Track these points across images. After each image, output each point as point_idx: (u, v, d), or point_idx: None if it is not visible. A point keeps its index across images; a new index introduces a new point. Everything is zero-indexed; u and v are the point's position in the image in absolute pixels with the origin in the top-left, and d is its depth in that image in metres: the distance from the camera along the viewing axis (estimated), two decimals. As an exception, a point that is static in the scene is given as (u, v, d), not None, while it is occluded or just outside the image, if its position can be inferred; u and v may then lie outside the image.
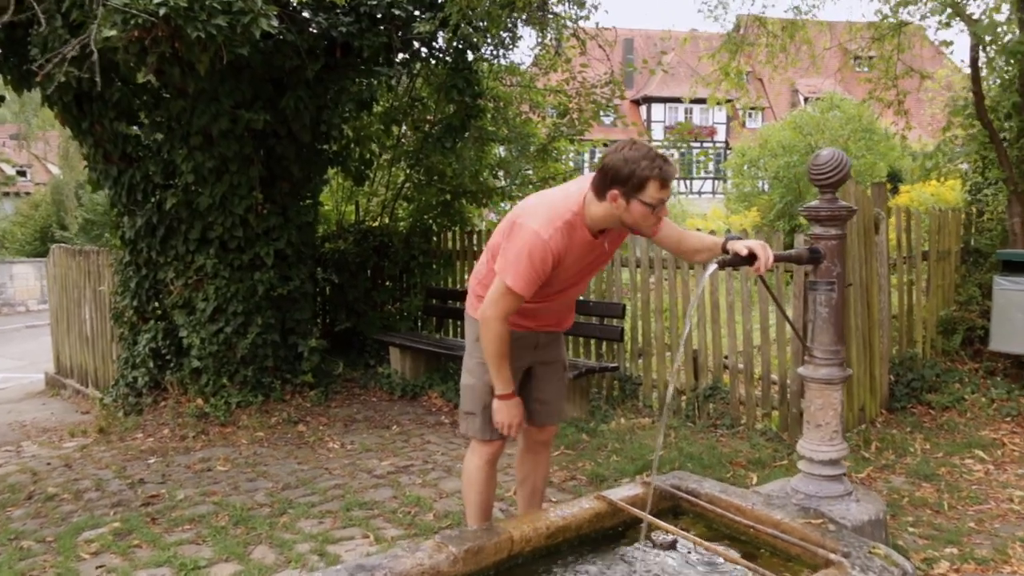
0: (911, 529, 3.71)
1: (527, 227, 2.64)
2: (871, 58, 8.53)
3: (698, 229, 5.80)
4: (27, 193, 38.06)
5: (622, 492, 3.07)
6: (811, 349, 2.93)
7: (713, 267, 2.63)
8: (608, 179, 2.57)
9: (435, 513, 4.09)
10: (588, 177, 2.77)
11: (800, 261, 2.84)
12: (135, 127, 6.23)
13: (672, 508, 3.14)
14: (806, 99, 31.21)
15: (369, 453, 5.30)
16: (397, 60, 6.54)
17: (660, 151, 2.57)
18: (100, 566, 3.60)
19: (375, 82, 6.75)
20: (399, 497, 4.37)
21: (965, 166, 9.07)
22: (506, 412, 2.91)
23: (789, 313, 5.40)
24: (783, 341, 5.25)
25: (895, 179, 18.09)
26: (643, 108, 44.76)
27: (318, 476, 4.85)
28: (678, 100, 41.52)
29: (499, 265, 2.72)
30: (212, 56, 4.63)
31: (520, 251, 2.63)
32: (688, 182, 42.74)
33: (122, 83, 6.00)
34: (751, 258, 2.66)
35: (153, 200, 6.19)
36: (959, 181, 14.07)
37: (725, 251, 2.77)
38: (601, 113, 7.00)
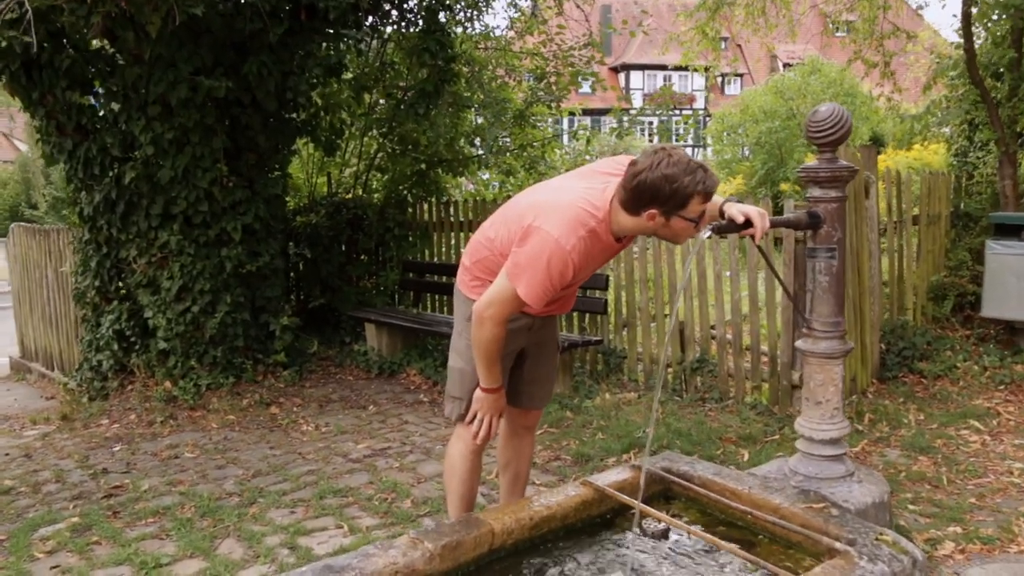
0: (911, 507, 3.55)
1: (546, 233, 2.37)
2: (850, 23, 8.33)
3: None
4: (-9, 171, 37.26)
5: (610, 477, 2.88)
6: (809, 321, 2.74)
7: (707, 233, 2.41)
8: (646, 199, 2.32)
9: (413, 499, 3.88)
10: (608, 171, 2.53)
11: (799, 227, 2.63)
12: (90, 97, 5.89)
13: (663, 492, 2.95)
14: (786, 65, 30.95)
15: (344, 435, 5.08)
16: (367, 23, 6.22)
17: (697, 161, 2.34)
18: (55, 566, 3.37)
19: (343, 46, 6.44)
20: (375, 483, 4.16)
21: (947, 130, 8.92)
22: (488, 405, 2.70)
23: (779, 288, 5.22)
24: (772, 310, 5.07)
25: (877, 143, 17.95)
26: (622, 75, 44.39)
27: (291, 461, 4.63)
28: (658, 67, 41.22)
29: (509, 267, 2.45)
30: (164, 16, 4.32)
31: (536, 258, 2.38)
32: (669, 150, 42.52)
33: (74, 49, 5.65)
34: (746, 224, 2.45)
35: (111, 174, 5.88)
36: (942, 145, 13.98)
37: (720, 212, 2.56)
38: (580, 78, 6.73)
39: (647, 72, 43.56)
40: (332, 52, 6.13)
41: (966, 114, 6.61)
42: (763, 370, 5.08)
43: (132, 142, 5.84)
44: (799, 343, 2.80)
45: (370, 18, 6.42)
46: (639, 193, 2.33)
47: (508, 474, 3.11)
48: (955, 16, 6.19)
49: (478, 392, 2.69)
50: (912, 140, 7.30)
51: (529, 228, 2.41)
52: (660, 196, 2.30)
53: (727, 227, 2.46)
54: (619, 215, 2.42)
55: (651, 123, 9.42)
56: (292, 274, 7.84)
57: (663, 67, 39.50)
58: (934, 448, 4.31)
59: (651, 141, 28.89)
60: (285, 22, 5.68)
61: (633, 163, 2.36)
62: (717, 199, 2.58)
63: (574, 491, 2.76)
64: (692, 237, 2.46)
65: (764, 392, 5.10)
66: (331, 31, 6.00)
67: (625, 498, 2.68)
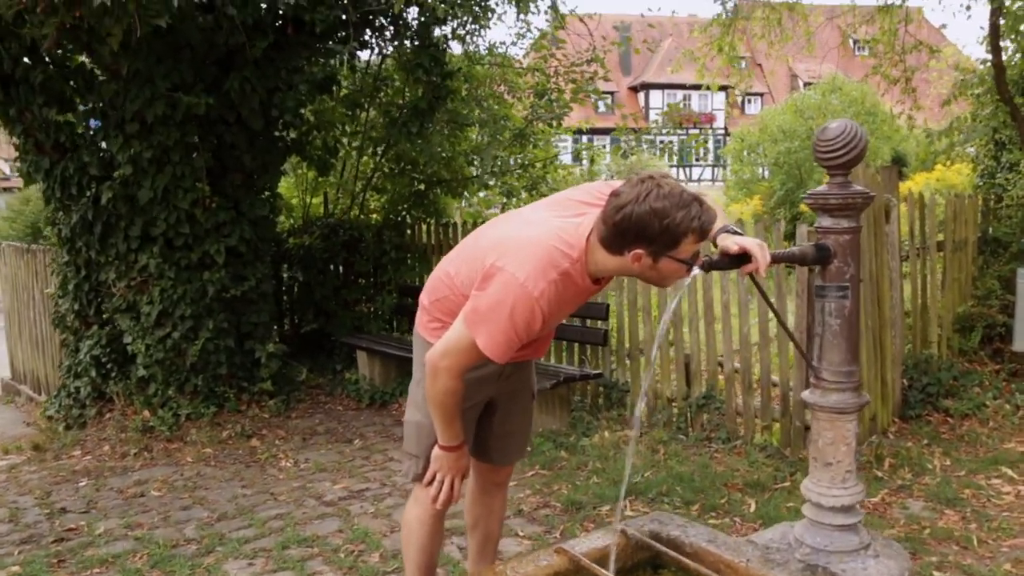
0: (936, 573, 3.16)
1: (510, 276, 2.03)
2: (868, 42, 7.98)
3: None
4: (19, 188, 37.43)
5: (588, 543, 2.51)
6: (818, 370, 2.37)
7: (696, 271, 2.07)
8: (631, 236, 1.98)
9: (383, 552, 3.54)
10: (586, 200, 2.20)
11: (804, 261, 2.27)
12: (71, 114, 5.64)
13: (651, 561, 2.57)
14: (806, 84, 30.56)
15: (323, 474, 4.75)
16: (363, 37, 5.95)
17: (691, 192, 1.99)
18: (-20, 626, 3.06)
19: (334, 62, 6.17)
20: (345, 531, 3.82)
21: (972, 150, 8.51)
22: (448, 465, 2.35)
23: (791, 317, 4.84)
24: (784, 344, 4.69)
25: (899, 163, 17.49)
26: (641, 95, 44.16)
27: (261, 503, 4.30)
28: (677, 86, 40.88)
29: (468, 313, 2.10)
30: (126, 28, 4.04)
31: (499, 305, 2.03)
32: (687, 170, 42.18)
33: (52, 65, 5.42)
34: (743, 258, 2.11)
35: (89, 194, 5.62)
36: (966, 165, 13.51)
37: (713, 241, 2.22)
38: (581, 94, 6.41)
39: (666, 91, 43.23)
40: (321, 68, 5.85)
41: (994, 133, 6.21)
42: (774, 409, 4.69)
43: (111, 161, 5.58)
44: (806, 394, 2.43)
45: (367, 32, 6.14)
46: (623, 230, 1.97)
47: (477, 535, 2.76)
48: (982, 28, 5.80)
49: (436, 450, 2.35)
50: (936, 159, 6.92)
51: (491, 269, 2.07)
52: (647, 234, 1.95)
53: (720, 263, 2.12)
54: (597, 254, 2.08)
55: (664, 142, 9.07)
56: (285, 298, 7.56)
57: (682, 86, 39.22)
58: (962, 500, 3.90)
59: (670, 163, 28.54)
60: (270, 36, 5.41)
61: (616, 194, 2.00)
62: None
63: (547, 560, 2.40)
64: (682, 279, 2.11)
65: (775, 432, 4.71)
66: (320, 46, 5.72)
67: (603, 573, 2.33)
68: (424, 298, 2.40)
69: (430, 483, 2.39)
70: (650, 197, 1.94)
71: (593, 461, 4.60)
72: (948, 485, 4.06)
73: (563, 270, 2.05)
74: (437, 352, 2.17)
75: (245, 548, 3.66)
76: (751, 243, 2.09)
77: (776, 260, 2.18)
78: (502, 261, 2.06)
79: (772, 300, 2.38)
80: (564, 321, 5.54)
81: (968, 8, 6.77)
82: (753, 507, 3.90)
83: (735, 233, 2.15)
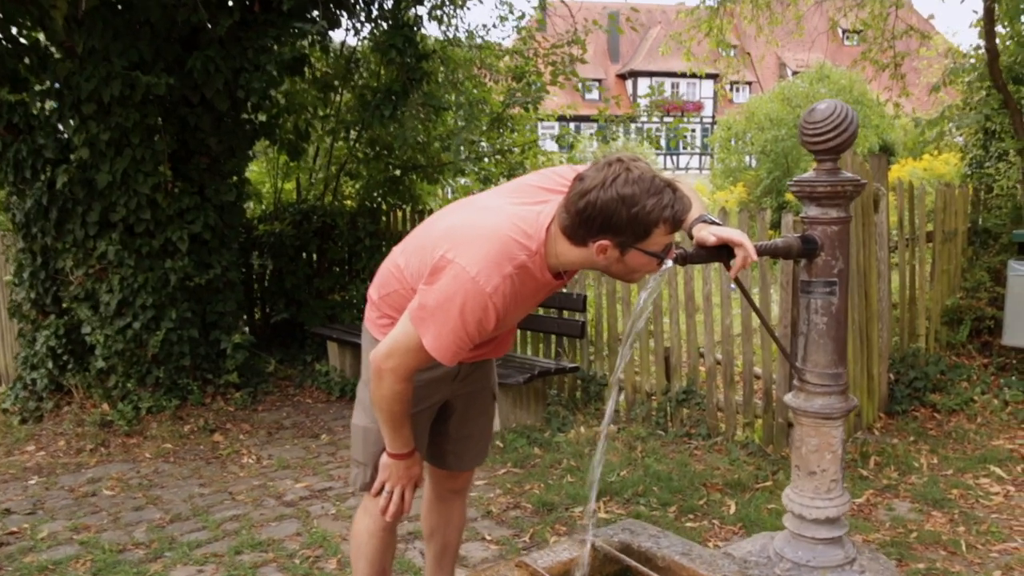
0: (924, 583, 2.99)
1: (461, 270, 1.81)
2: (858, 32, 7.81)
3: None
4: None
5: (552, 556, 2.32)
6: (802, 371, 2.18)
7: (668, 264, 1.87)
8: (596, 226, 1.76)
9: (340, 559, 3.33)
10: (548, 186, 1.98)
11: (789, 254, 2.08)
12: (23, 94, 5.37)
13: (619, 574, 2.41)
14: (794, 73, 30.40)
15: (286, 471, 4.54)
16: (332, 16, 5.69)
17: (664, 177, 1.78)
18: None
19: (305, 43, 5.92)
20: (303, 534, 3.62)
21: (960, 139, 8.36)
22: (397, 473, 2.15)
23: (774, 308, 4.66)
24: (767, 336, 4.51)
25: (886, 152, 17.37)
26: (629, 82, 43.93)
27: (217, 504, 4.09)
28: (666, 74, 40.62)
29: (415, 310, 1.89)
30: (73, 1, 3.79)
31: (448, 302, 1.82)
32: (674, 157, 42.00)
33: (4, 41, 5.14)
34: (722, 251, 1.91)
35: (44, 178, 5.36)
36: (953, 154, 13.38)
37: (688, 232, 2.02)
38: (561, 77, 6.18)
39: (655, 79, 42.99)
40: (290, 48, 5.59)
41: (986, 120, 6.04)
42: (756, 404, 4.52)
43: (68, 143, 5.32)
44: (789, 398, 2.24)
45: (339, 12, 5.88)
46: (587, 218, 1.76)
47: (434, 545, 2.57)
48: (975, 12, 5.62)
49: (384, 458, 2.14)
50: (924, 148, 6.76)
51: (441, 261, 1.85)
52: (614, 223, 1.74)
53: (696, 255, 1.92)
54: (559, 244, 1.86)
55: (648, 127, 8.85)
56: (256, 286, 7.32)
57: (672, 74, 39.03)
58: (950, 501, 3.74)
59: (656, 150, 28.33)
60: (236, 14, 5.16)
61: (580, 178, 1.79)
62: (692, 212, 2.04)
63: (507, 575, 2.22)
64: (652, 273, 1.90)
65: (757, 429, 4.54)
66: (289, 25, 5.47)
67: (566, 592, 2.14)
68: (373, 292, 2.19)
69: (379, 493, 2.19)
70: (617, 182, 1.72)
71: (567, 459, 4.41)
72: (935, 485, 3.90)
73: (520, 263, 1.84)
74: (381, 352, 1.96)
75: (196, 553, 3.46)
76: (731, 233, 1.89)
77: (760, 253, 1.99)
78: (453, 253, 1.85)
79: (755, 293, 2.18)
80: (540, 312, 5.37)
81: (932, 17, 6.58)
82: (733, 509, 3.72)
83: (713, 223, 1.95)
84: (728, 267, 1.92)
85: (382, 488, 2.17)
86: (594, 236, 1.78)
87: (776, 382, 4.37)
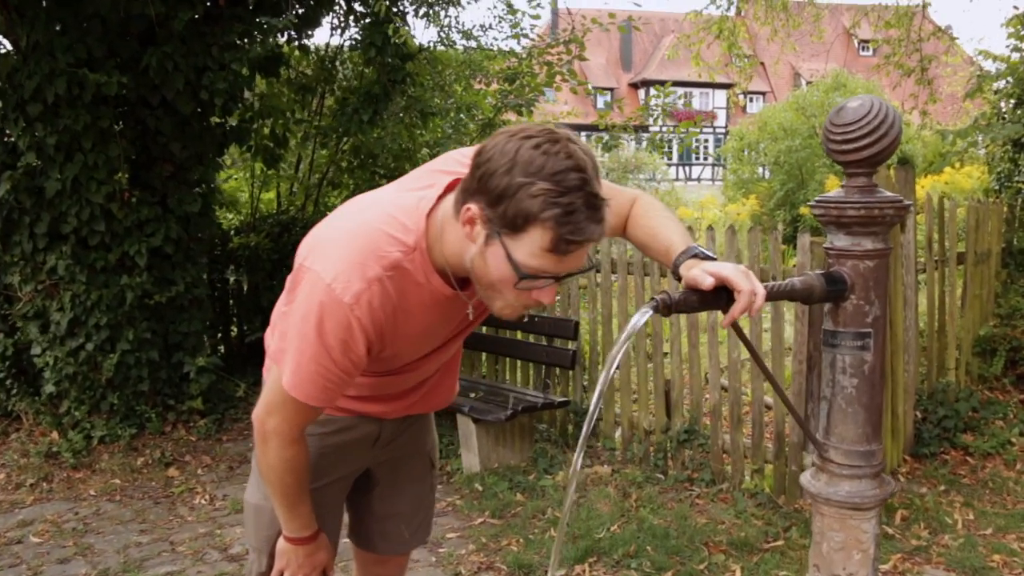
0: None
1: (316, 277, 1.37)
2: (882, 42, 7.35)
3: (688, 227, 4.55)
4: None
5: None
6: (823, 447, 1.68)
7: (646, 314, 1.38)
8: (475, 180, 1.30)
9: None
10: (448, 169, 1.50)
11: (810, 298, 1.58)
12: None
13: None
14: (808, 82, 29.92)
15: (237, 516, 4.05)
16: (304, 11, 5.25)
17: (597, 187, 1.29)
18: None
19: (279, 40, 5.47)
20: (240, 601, 3.14)
21: (982, 151, 7.84)
22: (298, 561, 1.67)
23: (787, 331, 4.16)
24: (778, 367, 4.01)
25: (905, 165, 16.81)
26: (641, 91, 43.49)
27: (154, 556, 3.61)
28: (678, 84, 40.22)
29: (276, 342, 1.51)
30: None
31: (303, 323, 1.38)
32: (687, 168, 41.51)
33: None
34: (723, 293, 1.42)
35: (-13, 185, 4.92)
36: (976, 167, 12.80)
37: (675, 273, 1.53)
38: (558, 78, 5.71)
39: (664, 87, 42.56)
40: (261, 46, 5.14)
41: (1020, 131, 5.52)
42: (767, 448, 4.00)
43: (15, 148, 4.88)
44: (806, 479, 1.74)
45: (316, 7, 5.44)
46: (474, 168, 1.30)
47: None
48: (1016, 8, 5.11)
49: (281, 543, 1.66)
50: (949, 161, 6.28)
51: (298, 272, 1.43)
52: (492, 184, 1.27)
53: (686, 302, 1.42)
54: (446, 230, 1.38)
55: (655, 131, 8.38)
56: (232, 302, 6.86)
57: (685, 83, 38.58)
58: (992, 571, 3.22)
59: (667, 159, 27.84)
60: (199, 7, 4.72)
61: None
62: (681, 240, 1.56)
63: None
64: (513, 314, 1.39)
65: (767, 476, 4.02)
66: (259, 20, 5.02)
67: None
68: (267, 336, 1.72)
69: None
70: (529, 142, 1.26)
71: (553, 508, 3.91)
72: (973, 549, 3.38)
73: (391, 262, 1.37)
74: (260, 410, 1.51)
75: (113, 623, 2.98)
76: (733, 274, 1.40)
77: (770, 297, 1.49)
78: (310, 260, 1.41)
79: (765, 326, 1.68)
80: (531, 339, 4.87)
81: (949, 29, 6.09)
82: (738, 574, 3.22)
83: (707, 257, 1.46)
84: (734, 321, 1.43)
85: None
86: (470, 196, 1.30)
87: (788, 424, 3.86)
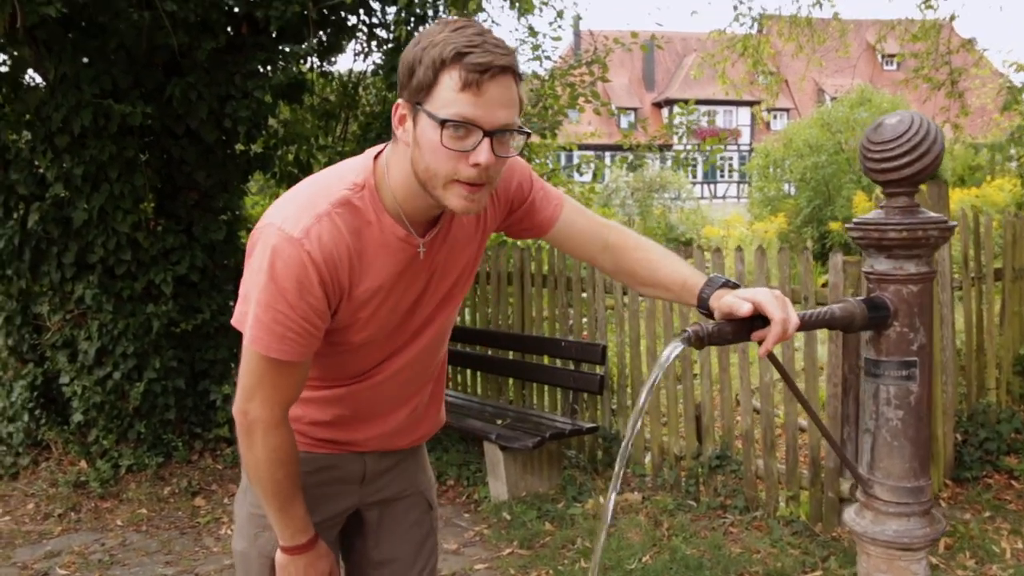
0: None
1: (267, 226, 1.36)
2: (906, 54, 7.26)
3: (711, 250, 4.47)
4: None
5: None
6: (868, 483, 1.60)
7: (678, 347, 1.32)
8: (398, 84, 1.34)
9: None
10: None
11: (850, 326, 1.51)
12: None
13: None
14: (832, 98, 29.71)
15: (263, 547, 4.01)
16: (325, 37, 5.26)
17: (486, 29, 1.30)
18: None
19: (302, 67, 5.49)
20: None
21: (1014, 164, 7.69)
22: (298, 573, 1.56)
23: (821, 352, 4.05)
24: (813, 388, 3.90)
25: (937, 180, 16.56)
26: (665, 110, 43.44)
27: (179, 589, 3.58)
28: (702, 102, 40.10)
29: (237, 310, 1.43)
30: (11, 15, 3.38)
31: (259, 272, 1.34)
32: (711, 186, 41.28)
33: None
34: (757, 320, 1.37)
35: (16, 216, 4.97)
36: (1008, 180, 12.56)
37: (703, 306, 1.48)
38: (581, 99, 5.66)
39: (687, 105, 42.45)
40: (284, 73, 5.15)
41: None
42: (802, 474, 3.89)
43: (43, 179, 4.93)
44: (849, 516, 1.66)
45: (337, 32, 5.45)
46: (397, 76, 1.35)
47: None
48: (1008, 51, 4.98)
49: (280, 557, 1.57)
50: (987, 175, 6.14)
51: (254, 234, 1.40)
52: (404, 68, 1.31)
53: (720, 333, 1.36)
54: (392, 163, 1.38)
55: (679, 149, 8.31)
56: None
57: (708, 101, 38.46)
58: (1044, 602, 3.09)
59: (691, 176, 27.70)
60: (221, 37, 4.75)
61: None
62: (698, 277, 1.52)
63: None
64: (467, 204, 1.32)
65: (803, 503, 3.91)
66: (280, 47, 5.05)
67: None
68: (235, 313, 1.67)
69: None
70: (430, 27, 1.33)
71: (583, 537, 3.82)
72: (1023, 579, 3.24)
73: (339, 199, 1.36)
74: (238, 400, 1.43)
75: (137, 659, 2.94)
76: (765, 298, 1.35)
77: (806, 326, 1.43)
78: (264, 219, 1.39)
79: (798, 348, 1.61)
80: (558, 363, 4.80)
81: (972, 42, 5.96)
82: (776, 609, 3.11)
83: (735, 286, 1.41)
84: (769, 351, 1.37)
85: None
86: (398, 99, 1.35)
87: (825, 450, 3.75)
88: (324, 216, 1.34)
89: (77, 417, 5.10)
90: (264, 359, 1.38)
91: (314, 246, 1.32)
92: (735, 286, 1.42)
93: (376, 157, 1.42)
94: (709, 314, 1.46)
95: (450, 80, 1.24)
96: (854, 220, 1.55)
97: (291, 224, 1.33)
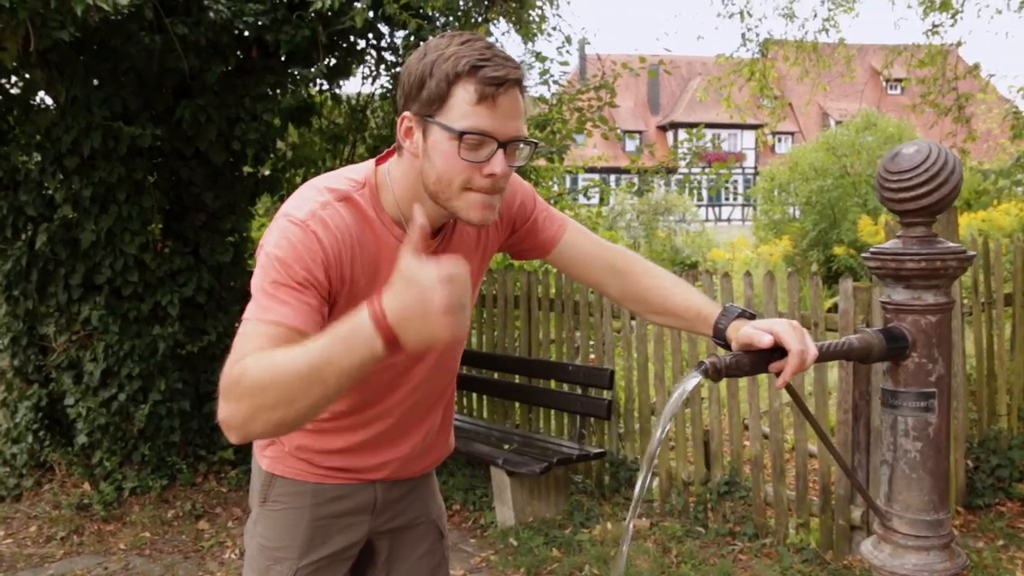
0: None
1: (275, 221, 1.39)
2: (921, 81, 7.28)
3: (719, 274, 4.45)
4: None
5: None
6: (887, 515, 1.57)
7: (695, 379, 1.31)
8: (401, 98, 1.37)
9: None
10: None
11: (869, 357, 1.49)
12: (5, 147, 5.01)
13: None
14: (837, 122, 29.79)
15: (267, 573, 3.97)
16: (335, 61, 5.30)
17: (493, 45, 1.33)
18: None
19: (311, 90, 5.52)
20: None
21: (1021, 189, 7.67)
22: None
23: (829, 412, 4.03)
24: (823, 411, 3.87)
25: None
26: (669, 133, 43.61)
27: (182, 615, 3.54)
28: (707, 125, 40.24)
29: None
30: (23, 40, 3.41)
31: (264, 256, 1.33)
32: (716, 209, 41.32)
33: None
34: (774, 352, 1.35)
35: (24, 237, 4.98)
36: (1014, 204, 12.52)
37: (720, 336, 1.47)
38: (589, 124, 5.68)
39: (696, 131, 42.62)
40: (293, 96, 5.18)
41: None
42: (812, 501, 3.85)
43: (52, 200, 4.95)
44: (867, 548, 1.63)
45: (346, 56, 5.48)
46: (399, 91, 1.38)
47: None
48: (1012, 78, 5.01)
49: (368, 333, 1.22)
50: (994, 200, 6.14)
51: (261, 243, 1.39)
52: (410, 81, 1.33)
53: (738, 364, 1.35)
54: (395, 171, 1.42)
55: (687, 174, 8.32)
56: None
57: (713, 125, 38.68)
58: (1060, 635, 3.03)
59: (697, 200, 27.75)
60: (231, 60, 4.78)
61: None
62: (713, 307, 1.51)
63: None
64: (482, 213, 1.32)
65: (813, 530, 3.86)
66: (290, 71, 5.07)
67: None
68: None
69: None
70: (433, 45, 1.34)
71: (590, 564, 3.78)
72: (1039, 612, 3.19)
73: (341, 194, 1.40)
74: (230, 360, 1.21)
75: None
76: (783, 329, 1.34)
77: (824, 357, 1.41)
78: (272, 223, 1.42)
79: (811, 415, 1.60)
80: (565, 387, 4.77)
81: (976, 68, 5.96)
82: (787, 639, 3.06)
83: (752, 316, 1.40)
84: (787, 382, 1.36)
85: None
86: (401, 111, 1.37)
87: (835, 475, 3.71)
88: (328, 204, 1.37)
89: (81, 439, 5.08)
90: (260, 323, 1.26)
91: (319, 226, 1.33)
92: (751, 316, 1.41)
93: (378, 163, 1.46)
94: (725, 344, 1.45)
95: (465, 93, 1.27)
96: (871, 249, 1.54)
97: (296, 210, 1.36)
